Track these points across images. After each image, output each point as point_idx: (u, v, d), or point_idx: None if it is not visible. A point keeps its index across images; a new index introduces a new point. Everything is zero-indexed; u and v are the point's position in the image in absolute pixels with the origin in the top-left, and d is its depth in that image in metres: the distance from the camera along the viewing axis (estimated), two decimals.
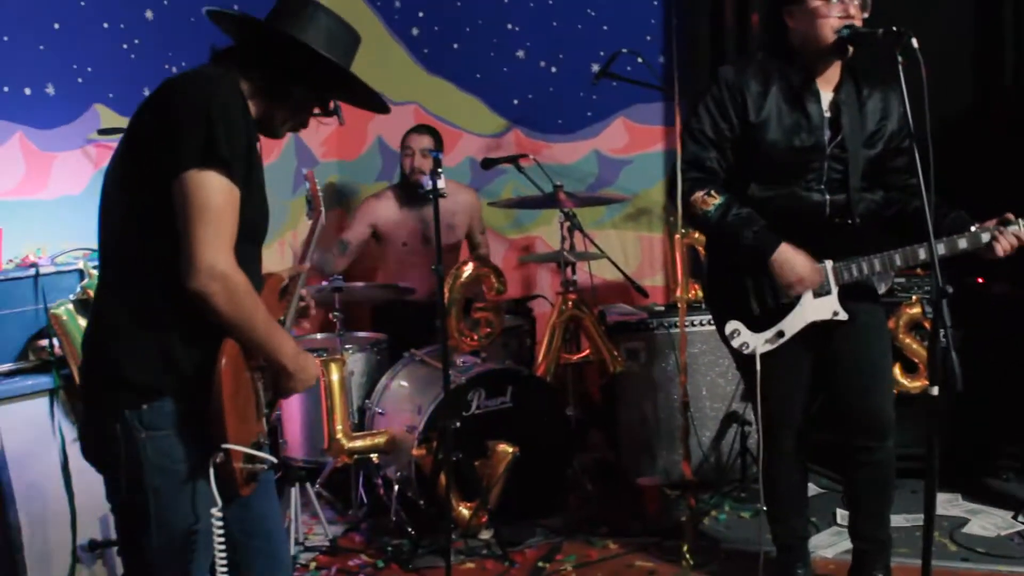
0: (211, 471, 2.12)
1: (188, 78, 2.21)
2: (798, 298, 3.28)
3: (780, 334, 3.31)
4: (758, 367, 3.29)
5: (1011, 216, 3.22)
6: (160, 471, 2.13)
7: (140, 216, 2.16)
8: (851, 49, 3.20)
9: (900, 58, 2.83)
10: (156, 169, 2.10)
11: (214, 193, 2.07)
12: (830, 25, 3.16)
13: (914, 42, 2.81)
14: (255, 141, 2.24)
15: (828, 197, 3.27)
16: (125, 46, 4.40)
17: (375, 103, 2.51)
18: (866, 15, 3.22)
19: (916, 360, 4.51)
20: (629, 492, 4.63)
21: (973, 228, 3.21)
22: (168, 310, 2.13)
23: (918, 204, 2.94)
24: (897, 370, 4.54)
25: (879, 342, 3.45)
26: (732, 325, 3.34)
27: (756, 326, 3.32)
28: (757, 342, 3.32)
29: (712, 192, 3.26)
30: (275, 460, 2.25)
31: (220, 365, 2.11)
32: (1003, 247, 3.17)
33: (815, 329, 3.32)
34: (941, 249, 3.11)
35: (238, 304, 2.10)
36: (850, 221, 3.29)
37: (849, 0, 3.17)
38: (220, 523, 2.15)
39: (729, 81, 3.29)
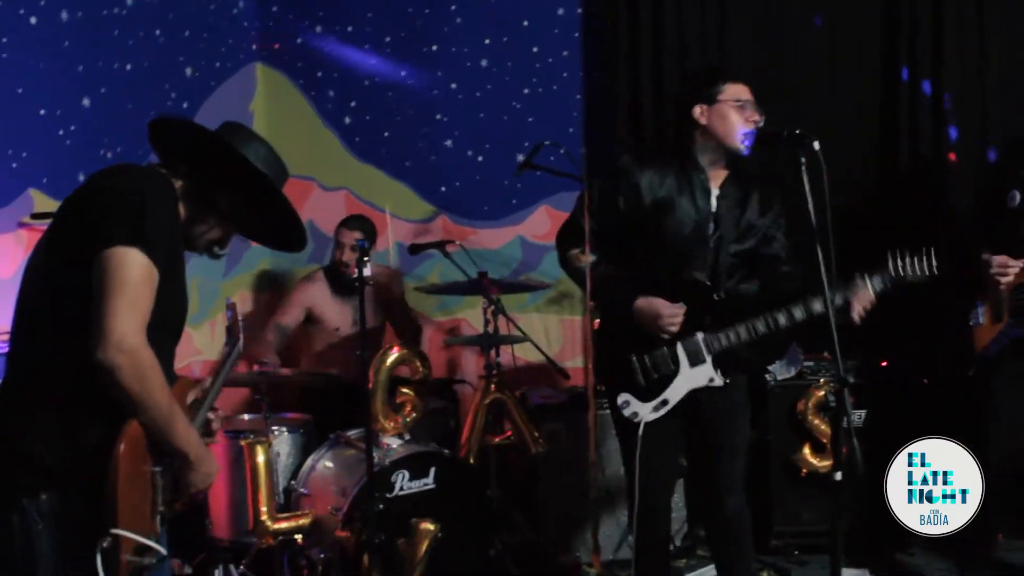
0: (97, 557, 2.04)
1: (123, 168, 2.29)
2: (677, 370, 3.54)
3: (664, 402, 3.57)
4: (640, 433, 3.55)
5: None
6: (55, 568, 2.09)
7: (59, 291, 2.18)
8: (746, 151, 3.48)
9: (803, 159, 3.09)
10: (82, 246, 2.13)
11: (134, 268, 2.09)
12: (738, 129, 3.46)
13: (815, 145, 3.06)
14: (179, 242, 2.30)
15: (703, 279, 3.55)
16: (61, 132, 4.49)
17: (295, 234, 2.53)
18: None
19: (824, 440, 4.70)
20: (551, 572, 4.71)
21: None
22: (74, 385, 2.12)
23: (786, 270, 3.51)
24: (807, 450, 4.74)
25: (740, 419, 3.74)
26: (623, 396, 3.60)
27: (643, 396, 3.58)
28: (645, 411, 3.57)
29: (586, 251, 3.58)
30: (165, 552, 2.20)
31: (119, 445, 2.08)
32: (857, 310, 3.46)
33: (688, 404, 3.59)
34: (799, 314, 3.48)
35: (144, 381, 2.09)
36: (716, 297, 3.56)
37: (754, 108, 3.45)
38: None
39: (625, 169, 3.61)
